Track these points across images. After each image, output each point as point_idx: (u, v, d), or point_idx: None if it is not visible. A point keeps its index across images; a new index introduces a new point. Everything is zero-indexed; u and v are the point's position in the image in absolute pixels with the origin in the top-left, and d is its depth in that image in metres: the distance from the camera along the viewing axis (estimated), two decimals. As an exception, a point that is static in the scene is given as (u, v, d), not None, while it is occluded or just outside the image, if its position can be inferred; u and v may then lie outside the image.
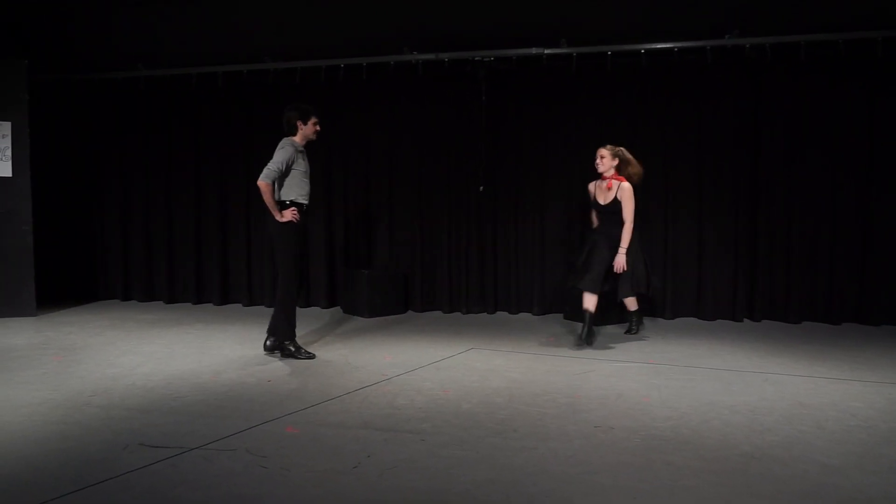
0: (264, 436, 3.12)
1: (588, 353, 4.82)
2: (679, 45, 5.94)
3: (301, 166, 4.55)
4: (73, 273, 7.33)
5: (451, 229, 6.62)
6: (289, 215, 4.46)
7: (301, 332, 5.41)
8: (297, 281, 4.66)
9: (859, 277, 5.87)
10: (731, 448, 2.98)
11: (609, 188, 5.06)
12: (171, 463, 2.80)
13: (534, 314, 6.43)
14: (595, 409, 3.52)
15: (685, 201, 6.16)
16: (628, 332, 5.43)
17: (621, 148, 5.11)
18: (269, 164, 4.44)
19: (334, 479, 2.65)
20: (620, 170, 5.08)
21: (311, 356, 4.64)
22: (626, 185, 4.98)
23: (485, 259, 6.57)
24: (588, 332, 4.94)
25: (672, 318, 6.15)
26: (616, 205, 4.99)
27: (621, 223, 4.95)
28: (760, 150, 6.02)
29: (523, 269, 6.52)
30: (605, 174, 5.06)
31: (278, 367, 4.43)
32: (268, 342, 4.74)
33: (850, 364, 4.50)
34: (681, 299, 6.19)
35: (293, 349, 4.65)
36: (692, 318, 6.17)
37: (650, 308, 6.02)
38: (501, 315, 6.49)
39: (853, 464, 2.80)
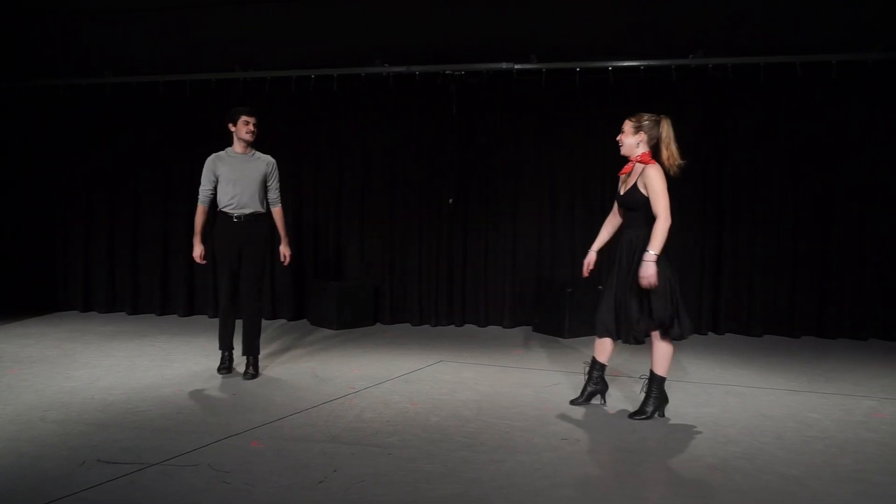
0: (228, 450, 3.06)
1: (557, 366, 4.85)
2: (645, 63, 6.07)
3: (226, 173, 4.47)
4: (32, 283, 7.11)
5: (421, 241, 6.61)
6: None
7: (267, 346, 5.36)
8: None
9: (819, 292, 6.02)
10: (696, 460, 3.03)
11: (626, 172, 3.69)
12: (130, 479, 2.73)
13: (504, 326, 6.45)
14: (562, 422, 3.55)
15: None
16: (637, 414, 3.64)
17: (663, 119, 3.60)
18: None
19: (300, 495, 2.61)
20: (656, 152, 3.59)
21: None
22: (653, 167, 3.51)
23: (454, 271, 6.57)
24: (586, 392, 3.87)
25: (638, 331, 6.23)
26: (635, 196, 3.55)
27: (644, 223, 3.52)
28: (726, 165, 6.17)
29: (493, 280, 6.54)
30: (631, 157, 3.65)
31: (244, 380, 4.35)
32: (250, 369, 4.38)
33: (809, 376, 4.62)
34: (647, 312, 6.28)
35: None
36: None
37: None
38: (471, 327, 6.49)
39: (812, 474, 2.87)
